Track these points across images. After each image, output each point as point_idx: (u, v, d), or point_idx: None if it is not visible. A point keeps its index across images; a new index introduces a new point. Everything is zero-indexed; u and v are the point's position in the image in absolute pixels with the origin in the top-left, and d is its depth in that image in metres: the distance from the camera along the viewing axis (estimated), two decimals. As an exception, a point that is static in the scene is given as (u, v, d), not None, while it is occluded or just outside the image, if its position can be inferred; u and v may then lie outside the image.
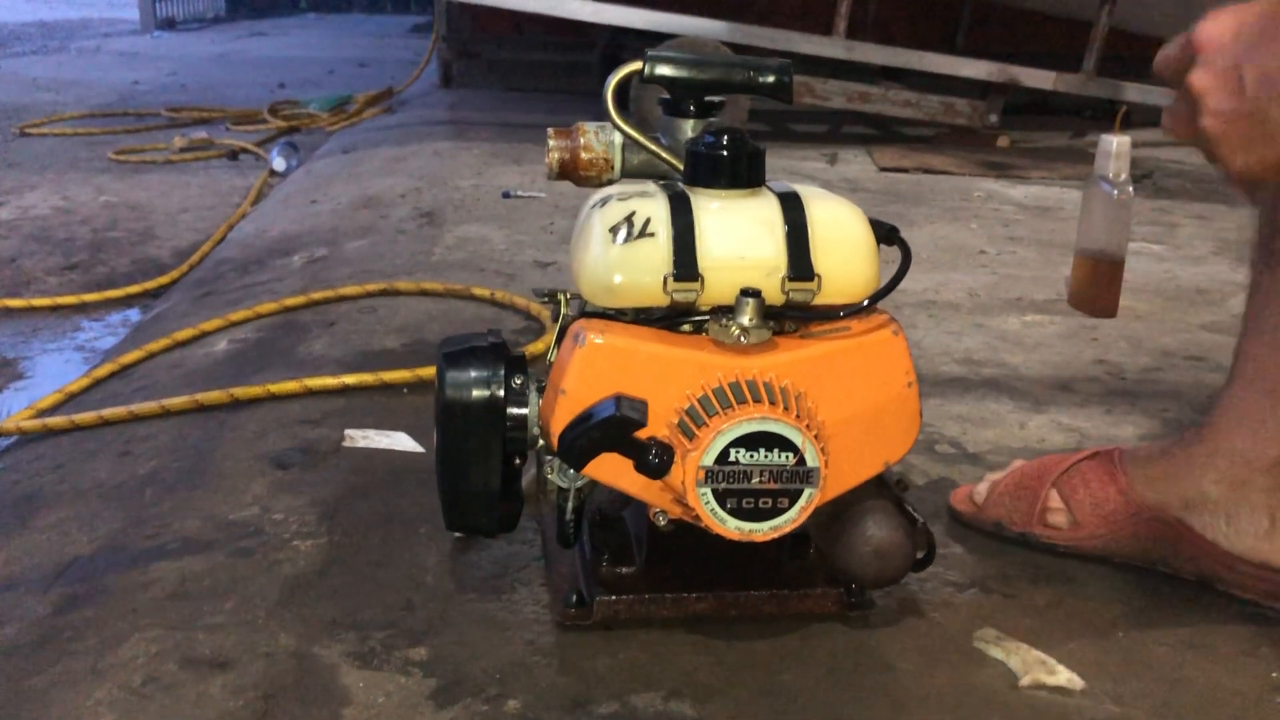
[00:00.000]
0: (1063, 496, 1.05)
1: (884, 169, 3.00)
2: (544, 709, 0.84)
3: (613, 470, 0.83)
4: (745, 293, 0.85)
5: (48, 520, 1.17)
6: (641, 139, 0.95)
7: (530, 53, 4.64)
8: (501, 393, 0.89)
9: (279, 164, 3.28)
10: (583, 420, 0.82)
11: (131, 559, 1.06)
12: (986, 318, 1.76)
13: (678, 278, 0.85)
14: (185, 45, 7.15)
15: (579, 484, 0.90)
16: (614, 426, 0.80)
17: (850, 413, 0.86)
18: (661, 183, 0.91)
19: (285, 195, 2.88)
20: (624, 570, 0.95)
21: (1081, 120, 3.77)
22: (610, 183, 0.97)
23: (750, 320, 0.85)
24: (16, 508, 1.21)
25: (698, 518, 0.83)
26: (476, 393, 0.89)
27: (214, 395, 1.41)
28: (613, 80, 0.93)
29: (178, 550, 1.07)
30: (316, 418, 1.36)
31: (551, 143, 0.97)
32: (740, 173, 0.89)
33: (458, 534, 1.05)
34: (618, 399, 0.81)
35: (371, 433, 1.31)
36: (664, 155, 0.94)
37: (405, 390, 1.43)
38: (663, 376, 0.84)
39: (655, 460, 0.80)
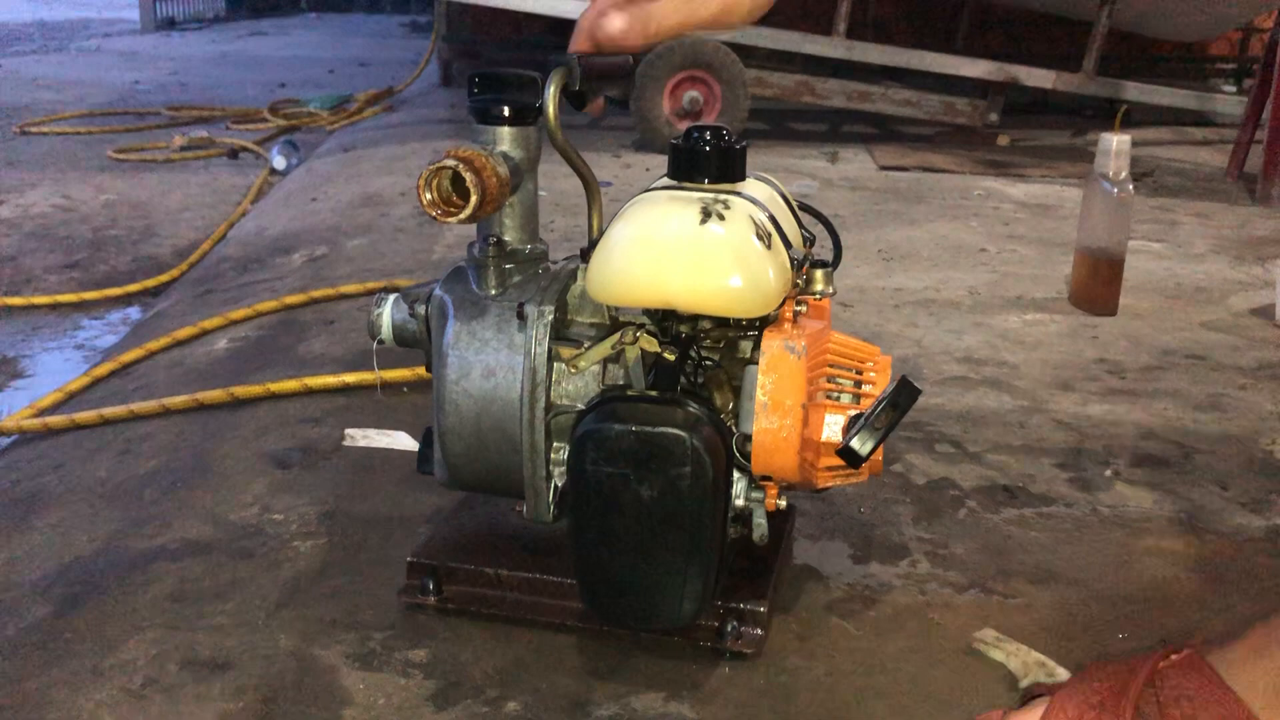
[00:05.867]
0: None
1: (884, 167, 3.00)
2: (544, 710, 0.84)
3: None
4: (819, 264, 0.89)
5: (48, 520, 1.17)
6: (571, 150, 0.89)
7: (530, 53, 4.64)
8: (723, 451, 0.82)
9: (279, 162, 3.28)
10: (877, 413, 0.81)
11: (131, 559, 1.06)
12: (987, 316, 1.76)
13: (795, 266, 0.87)
14: (185, 45, 7.14)
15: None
16: (911, 400, 0.81)
17: None
18: (670, 183, 0.89)
19: (285, 194, 2.88)
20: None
21: (1081, 119, 3.77)
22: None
23: (824, 286, 0.89)
24: (16, 508, 1.21)
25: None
26: (707, 467, 0.79)
27: (214, 394, 1.41)
28: (555, 87, 0.86)
29: (178, 550, 1.07)
30: (317, 416, 1.36)
31: (470, 175, 0.84)
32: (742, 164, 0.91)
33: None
34: (904, 377, 0.82)
35: (372, 432, 1.31)
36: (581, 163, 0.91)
37: (405, 389, 1.43)
38: (820, 356, 0.86)
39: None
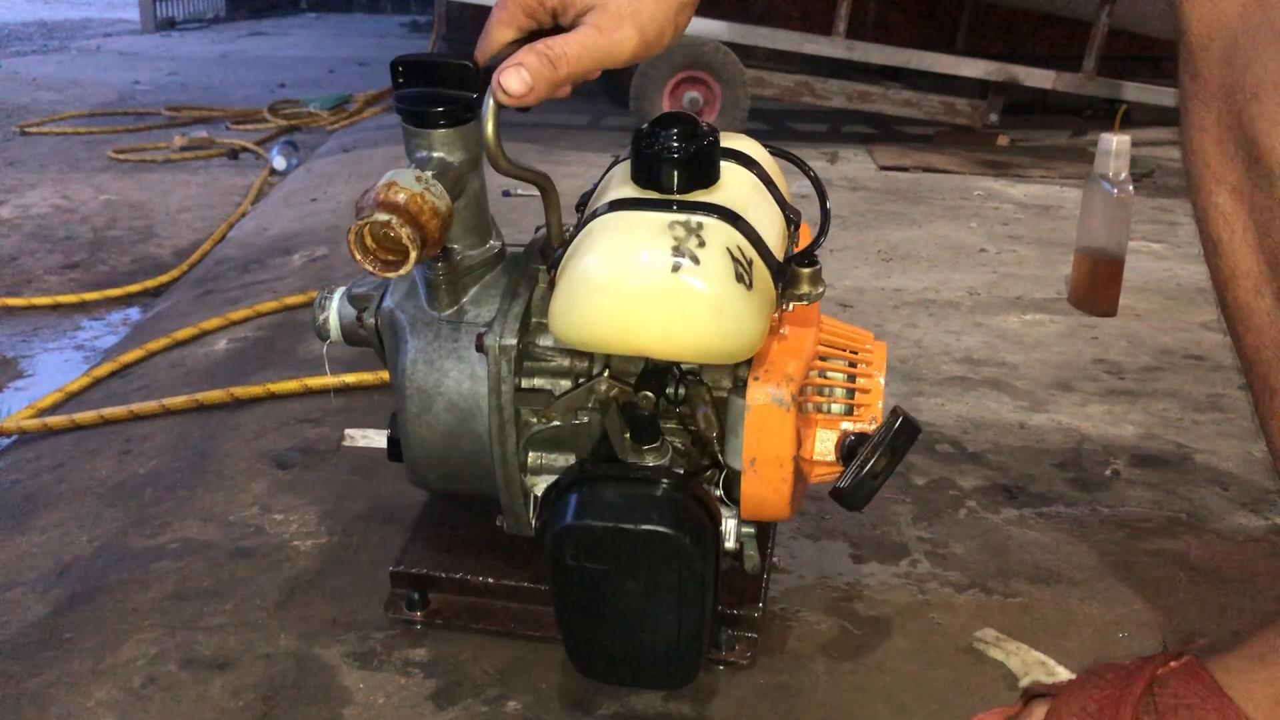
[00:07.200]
0: None
1: (884, 168, 3.00)
2: (544, 709, 0.84)
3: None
4: (804, 263, 0.79)
5: (48, 520, 1.17)
6: (519, 169, 0.81)
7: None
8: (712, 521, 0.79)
9: (279, 163, 3.28)
10: (874, 457, 0.78)
11: (131, 559, 1.06)
12: (986, 316, 1.76)
13: (779, 278, 0.79)
14: (185, 45, 7.14)
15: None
16: (910, 441, 0.79)
17: None
18: (635, 193, 0.79)
19: (285, 194, 2.88)
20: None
21: (1081, 119, 3.76)
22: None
23: (810, 289, 0.80)
24: (16, 508, 1.21)
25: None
26: (699, 542, 0.76)
27: (214, 394, 1.41)
28: (493, 110, 0.76)
29: (178, 550, 1.07)
30: (317, 417, 1.36)
31: (406, 231, 0.72)
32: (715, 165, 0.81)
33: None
34: (903, 415, 0.79)
35: (371, 432, 1.30)
36: (532, 176, 0.83)
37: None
38: (810, 363, 0.83)
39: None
